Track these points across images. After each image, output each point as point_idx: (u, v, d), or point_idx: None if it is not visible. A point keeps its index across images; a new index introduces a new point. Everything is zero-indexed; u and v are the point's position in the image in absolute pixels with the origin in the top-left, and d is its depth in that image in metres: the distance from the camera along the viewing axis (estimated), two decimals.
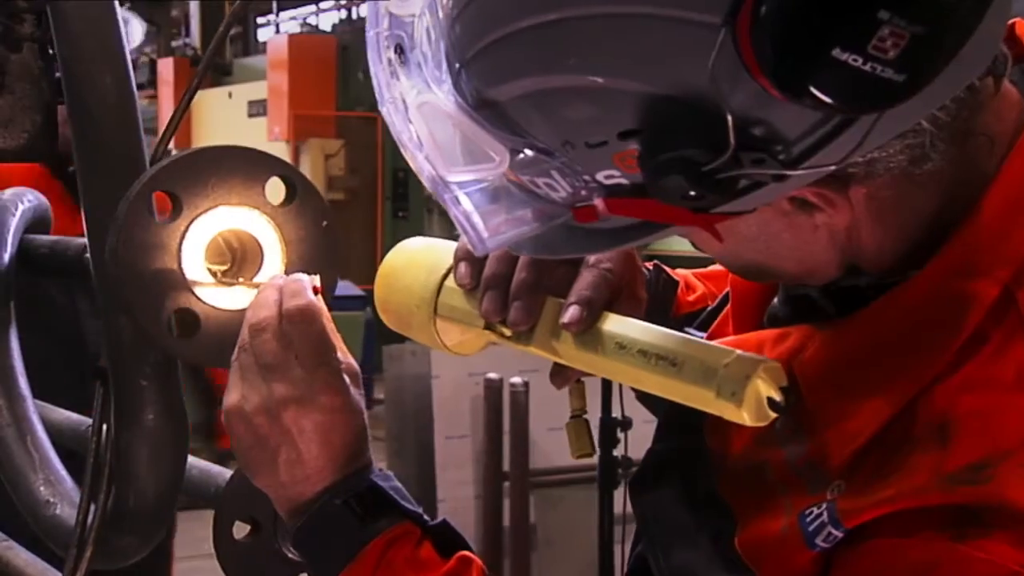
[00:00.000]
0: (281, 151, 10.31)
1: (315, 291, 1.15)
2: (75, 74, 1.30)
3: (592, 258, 1.10)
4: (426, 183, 0.94)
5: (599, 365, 1.05)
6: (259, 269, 1.27)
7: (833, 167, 0.83)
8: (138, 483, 1.33)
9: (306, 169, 10.04)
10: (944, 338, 0.92)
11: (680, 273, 1.30)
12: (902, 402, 0.92)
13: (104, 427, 1.32)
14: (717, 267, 1.27)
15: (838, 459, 0.94)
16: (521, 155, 0.89)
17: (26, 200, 1.71)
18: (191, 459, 1.41)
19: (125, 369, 1.30)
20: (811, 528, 0.94)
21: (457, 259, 1.16)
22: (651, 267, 1.27)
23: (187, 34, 14.05)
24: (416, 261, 1.21)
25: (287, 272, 1.25)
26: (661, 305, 1.24)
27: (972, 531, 0.88)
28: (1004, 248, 0.94)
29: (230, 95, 12.14)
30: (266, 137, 11.02)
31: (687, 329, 1.11)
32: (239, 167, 1.25)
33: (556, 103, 0.85)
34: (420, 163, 0.94)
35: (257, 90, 11.82)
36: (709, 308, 1.22)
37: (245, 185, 1.25)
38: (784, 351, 0.99)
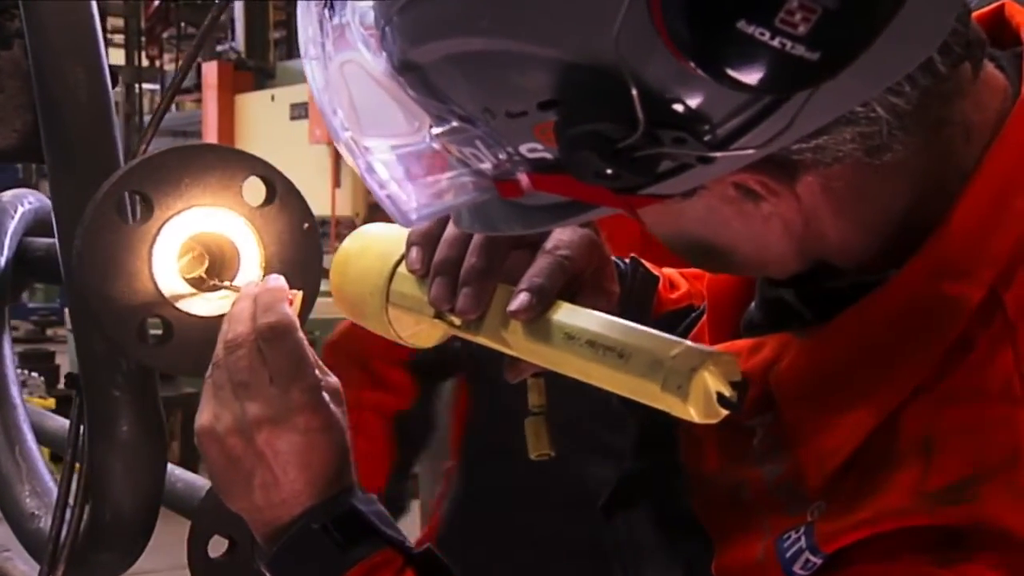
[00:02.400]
0: (323, 154, 10.30)
1: (289, 303, 1.09)
2: (45, 67, 1.25)
3: (550, 243, 1.02)
4: (341, 148, 0.88)
5: (547, 356, 0.97)
6: (236, 274, 1.21)
7: (752, 151, 0.77)
8: (113, 497, 1.28)
9: (347, 172, 10.02)
10: (927, 345, 0.86)
11: (666, 271, 1.22)
12: (883, 415, 0.86)
13: (79, 439, 1.27)
14: None
15: (817, 478, 0.89)
16: (446, 123, 0.83)
17: (26, 203, 1.67)
18: (175, 470, 1.36)
19: (97, 379, 1.25)
20: (788, 554, 0.88)
21: (409, 243, 1.07)
22: (628, 260, 1.19)
23: (232, 38, 14.10)
24: (371, 247, 1.13)
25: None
26: (638, 301, 1.16)
27: (956, 555, 0.82)
28: (987, 247, 0.87)
29: (272, 98, 12.16)
30: (308, 140, 11.00)
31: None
32: (214, 166, 1.20)
33: (474, 68, 0.80)
34: (335, 126, 0.88)
35: (299, 93, 11.83)
36: (695, 313, 1.14)
37: (221, 185, 1.20)
38: (759, 362, 0.93)
